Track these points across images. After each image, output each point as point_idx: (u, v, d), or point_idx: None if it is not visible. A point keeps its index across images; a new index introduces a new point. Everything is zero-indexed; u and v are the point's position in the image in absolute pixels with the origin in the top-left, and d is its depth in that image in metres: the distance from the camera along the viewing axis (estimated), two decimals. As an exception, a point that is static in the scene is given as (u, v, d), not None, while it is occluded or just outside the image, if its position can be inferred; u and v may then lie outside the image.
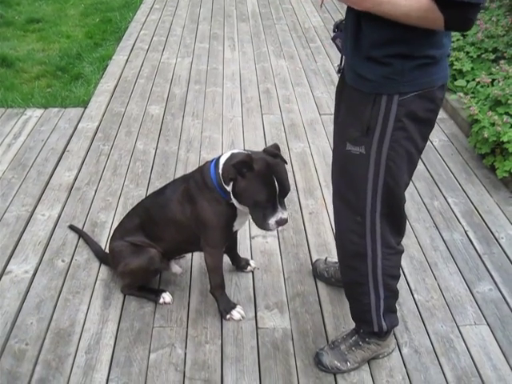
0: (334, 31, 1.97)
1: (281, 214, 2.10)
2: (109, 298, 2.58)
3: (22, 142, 3.89)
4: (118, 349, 2.33)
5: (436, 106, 1.81)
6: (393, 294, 2.17)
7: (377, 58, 1.70)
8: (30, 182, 3.43)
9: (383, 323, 2.16)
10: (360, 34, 1.73)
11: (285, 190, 2.11)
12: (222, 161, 2.21)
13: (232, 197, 2.18)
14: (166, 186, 2.50)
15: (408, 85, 1.72)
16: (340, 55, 1.99)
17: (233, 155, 2.20)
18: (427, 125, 1.85)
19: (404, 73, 1.70)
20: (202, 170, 2.30)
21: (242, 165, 2.07)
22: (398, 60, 1.69)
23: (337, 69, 2.03)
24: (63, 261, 2.79)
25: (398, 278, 2.16)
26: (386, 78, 1.72)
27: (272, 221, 2.10)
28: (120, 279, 2.61)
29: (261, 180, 2.07)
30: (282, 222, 2.11)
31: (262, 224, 2.12)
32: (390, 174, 1.86)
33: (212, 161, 2.28)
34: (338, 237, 2.14)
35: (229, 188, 2.17)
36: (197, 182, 2.29)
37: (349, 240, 2.04)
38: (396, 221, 2.02)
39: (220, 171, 2.20)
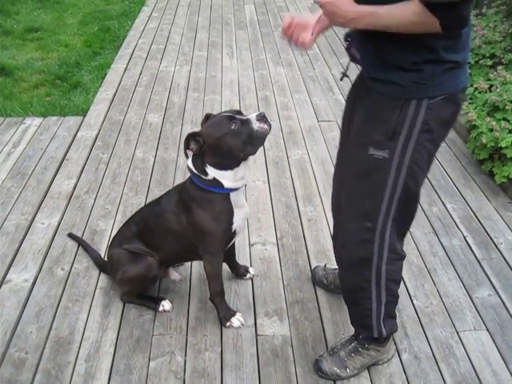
0: (346, 40, 1.97)
1: (252, 115, 2.13)
2: (108, 306, 2.58)
3: (21, 150, 3.90)
4: (118, 357, 2.33)
5: (458, 108, 1.86)
6: (394, 300, 2.17)
7: (405, 66, 1.72)
8: (30, 191, 3.43)
9: (383, 329, 2.16)
10: (383, 44, 1.74)
11: (235, 110, 2.19)
12: (190, 164, 2.25)
13: (219, 172, 2.18)
14: (162, 196, 2.51)
15: (437, 88, 1.74)
16: (347, 62, 2.01)
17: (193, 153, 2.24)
18: (449, 126, 1.90)
19: (434, 77, 1.73)
20: (188, 180, 2.31)
21: (190, 140, 2.15)
22: (428, 65, 1.71)
23: (340, 75, 2.04)
24: (63, 269, 2.79)
25: (399, 282, 2.16)
26: (416, 84, 1.74)
27: (255, 126, 2.11)
28: (119, 287, 2.61)
29: (214, 124, 2.15)
30: (260, 116, 2.12)
31: (253, 137, 2.12)
32: (412, 176, 1.88)
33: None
34: (342, 243, 2.11)
35: (210, 172, 2.18)
36: (187, 192, 2.29)
37: (355, 246, 2.02)
38: (405, 225, 2.04)
39: (194, 170, 2.22)
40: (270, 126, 2.15)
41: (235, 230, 2.34)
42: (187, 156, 2.22)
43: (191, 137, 2.16)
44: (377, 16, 1.64)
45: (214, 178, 2.19)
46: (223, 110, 2.28)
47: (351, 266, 2.09)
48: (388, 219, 1.94)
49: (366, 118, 1.90)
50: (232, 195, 2.25)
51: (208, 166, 2.18)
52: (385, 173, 1.86)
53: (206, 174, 2.20)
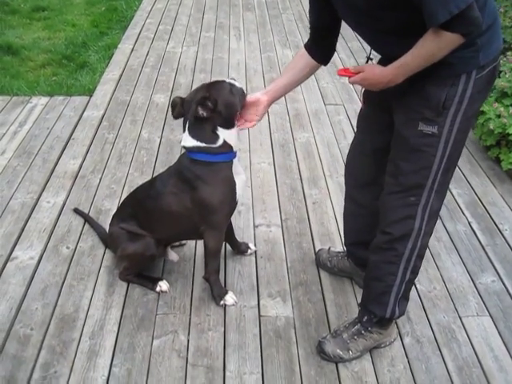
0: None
1: (228, 79, 2.33)
2: (113, 284, 2.60)
3: (28, 129, 3.90)
4: (122, 335, 2.35)
5: (496, 74, 1.90)
6: (415, 277, 2.18)
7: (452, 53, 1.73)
8: (36, 170, 3.44)
9: (397, 309, 2.17)
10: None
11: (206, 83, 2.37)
12: (188, 141, 2.27)
13: (228, 132, 2.26)
14: (155, 179, 2.54)
15: (485, 55, 1.78)
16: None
17: (191, 128, 2.27)
18: (489, 90, 1.94)
19: (482, 47, 1.77)
20: (187, 160, 2.32)
21: (199, 106, 2.20)
22: (476, 40, 1.75)
23: (365, 60, 2.05)
24: (68, 247, 2.81)
25: (423, 258, 2.17)
26: (465, 58, 1.76)
27: (238, 85, 2.29)
28: (118, 264, 2.62)
29: (217, 88, 2.26)
30: (234, 79, 2.34)
31: (239, 95, 2.26)
32: (456, 147, 1.91)
33: (184, 153, 2.36)
34: (384, 225, 2.09)
35: (221, 135, 2.25)
36: (191, 171, 2.30)
37: (397, 224, 2.03)
38: (444, 194, 2.07)
39: (200, 144, 2.25)
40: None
41: (237, 200, 2.39)
42: (185, 128, 2.28)
43: (200, 103, 2.19)
44: (406, 65, 1.75)
45: (224, 142, 2.26)
46: (196, 87, 2.36)
47: (388, 243, 2.09)
48: (432, 192, 1.97)
49: (413, 95, 1.88)
50: (233, 164, 2.33)
51: (219, 128, 2.24)
52: (434, 148, 1.89)
53: (216, 139, 2.25)
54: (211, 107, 2.20)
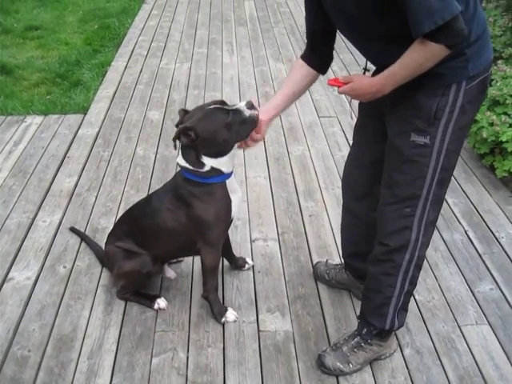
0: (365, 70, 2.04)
1: (241, 104, 2.14)
2: (110, 303, 2.59)
3: (23, 149, 3.90)
4: (121, 354, 2.34)
5: (487, 87, 1.92)
6: (413, 288, 2.18)
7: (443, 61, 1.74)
8: (31, 189, 3.44)
9: (396, 320, 2.17)
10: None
11: (219, 100, 2.24)
12: (181, 161, 2.24)
13: (216, 160, 2.20)
14: (150, 196, 2.53)
15: (475, 66, 1.80)
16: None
17: (182, 149, 2.23)
18: (481, 102, 1.96)
19: (471, 57, 1.79)
20: (181, 178, 2.30)
21: (181, 135, 2.13)
22: (465, 50, 1.77)
23: (362, 71, 2.06)
24: (65, 267, 2.80)
25: (421, 269, 2.16)
26: (455, 68, 1.79)
27: (246, 113, 2.12)
28: (115, 283, 2.61)
29: (207, 118, 2.14)
30: (249, 104, 2.13)
31: (246, 123, 2.13)
32: (449, 158, 1.92)
33: (180, 171, 2.31)
34: (382, 234, 2.09)
35: (207, 162, 2.20)
36: (185, 189, 2.29)
37: (394, 235, 2.04)
38: (440, 205, 2.07)
39: (188, 166, 2.22)
40: (250, 102, 2.17)
41: (233, 217, 2.38)
42: (176, 147, 2.20)
43: (182, 132, 2.14)
44: (394, 75, 1.77)
45: (212, 168, 2.21)
46: (206, 103, 2.29)
47: (385, 255, 2.09)
48: (427, 203, 1.97)
49: (405, 105, 1.90)
50: (227, 182, 2.29)
51: (204, 157, 2.20)
52: (427, 158, 1.90)
53: (202, 166, 2.21)
54: (193, 138, 2.14)
